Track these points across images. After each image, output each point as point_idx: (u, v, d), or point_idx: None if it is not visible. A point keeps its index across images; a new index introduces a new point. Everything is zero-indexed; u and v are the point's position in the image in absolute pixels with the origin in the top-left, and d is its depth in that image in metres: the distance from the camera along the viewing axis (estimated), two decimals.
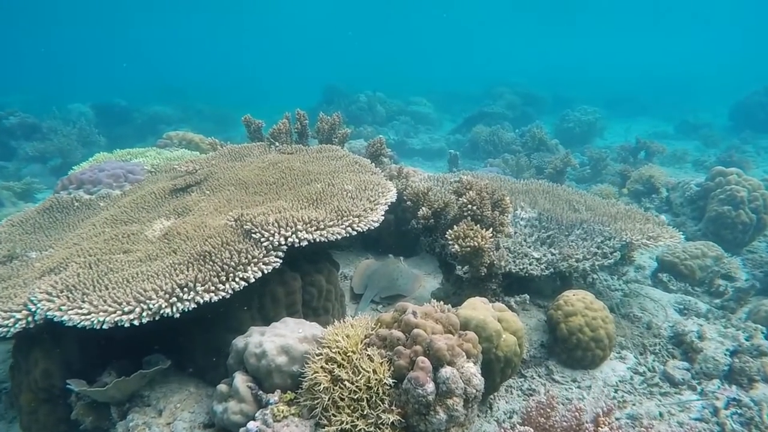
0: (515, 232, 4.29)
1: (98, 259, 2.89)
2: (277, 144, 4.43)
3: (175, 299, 2.42)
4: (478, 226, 3.26)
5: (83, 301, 2.45)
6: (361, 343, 2.41)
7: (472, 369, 2.27)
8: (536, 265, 3.85)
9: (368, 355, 2.33)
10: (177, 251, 2.88)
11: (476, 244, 3.11)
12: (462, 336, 2.42)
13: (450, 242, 3.26)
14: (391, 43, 49.55)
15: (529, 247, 4.14)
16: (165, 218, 3.49)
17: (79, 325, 2.36)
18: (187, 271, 2.59)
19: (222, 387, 2.49)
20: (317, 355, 2.40)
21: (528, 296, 3.73)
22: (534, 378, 3.38)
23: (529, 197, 4.87)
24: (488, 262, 3.30)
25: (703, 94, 23.49)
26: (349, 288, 4.33)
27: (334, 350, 2.37)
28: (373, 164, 4.15)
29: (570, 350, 3.41)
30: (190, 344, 2.89)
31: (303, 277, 3.00)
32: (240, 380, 2.45)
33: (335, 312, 3.18)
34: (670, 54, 39.74)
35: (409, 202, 3.95)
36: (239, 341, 2.58)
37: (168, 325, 2.49)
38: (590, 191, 7.68)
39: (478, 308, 2.82)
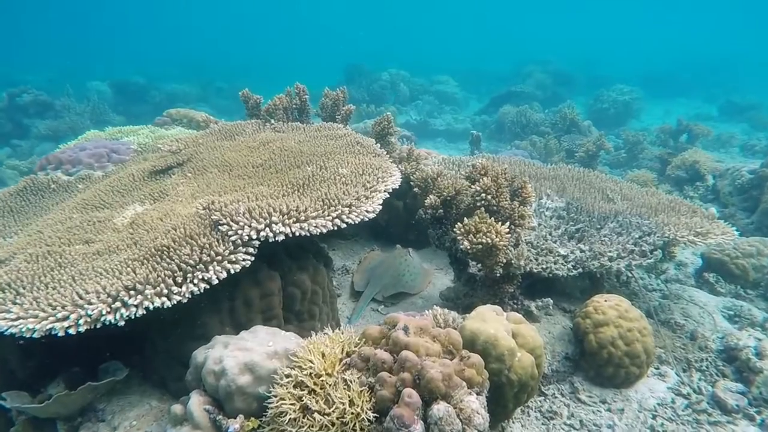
0: (539, 224, 3.76)
1: (49, 251, 2.52)
2: (272, 122, 3.98)
3: (119, 304, 2.02)
4: (493, 218, 2.76)
5: (14, 303, 2.07)
6: (340, 363, 1.98)
7: (474, 404, 1.80)
8: (562, 263, 3.33)
9: (346, 380, 1.89)
10: (138, 243, 2.48)
11: (489, 240, 2.62)
12: (464, 359, 1.95)
13: (459, 237, 2.78)
14: (416, 20, 48.24)
15: (555, 242, 3.60)
16: (139, 203, 3.11)
17: (6, 332, 1.99)
18: (140, 269, 2.19)
19: (176, 408, 2.09)
20: (286, 377, 1.97)
21: (551, 300, 3.22)
22: (556, 397, 2.90)
23: (556, 184, 4.31)
24: (504, 261, 2.80)
25: (749, 73, 21.94)
26: (351, 284, 3.90)
27: (305, 372, 1.94)
28: (379, 145, 3.67)
29: (600, 366, 2.91)
30: (152, 351, 2.51)
31: (284, 276, 2.56)
32: (196, 402, 2.04)
33: (323, 317, 2.75)
34: (711, 29, 37.32)
35: (416, 189, 3.46)
36: (199, 354, 2.17)
37: (128, 327, 2.11)
38: (626, 177, 7.03)
39: (489, 320, 2.34)
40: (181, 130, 4.87)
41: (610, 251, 3.41)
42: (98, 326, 2.01)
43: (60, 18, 45.62)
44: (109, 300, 2.02)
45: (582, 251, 3.47)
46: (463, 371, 1.91)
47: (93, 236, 2.74)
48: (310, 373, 1.93)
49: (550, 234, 3.70)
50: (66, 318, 1.96)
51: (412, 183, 3.42)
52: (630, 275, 3.98)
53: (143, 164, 3.64)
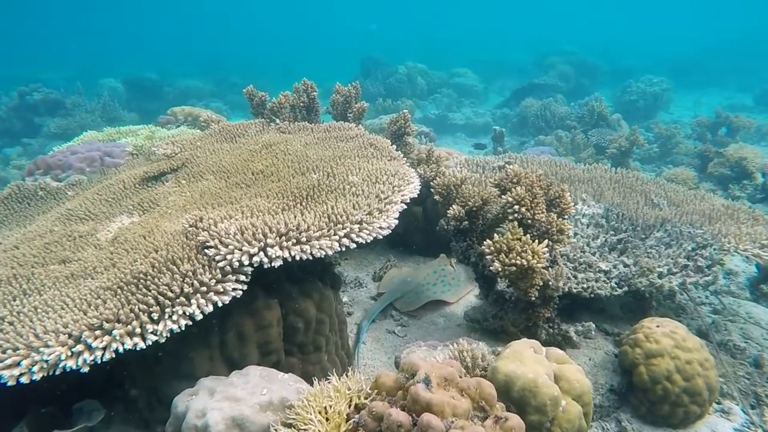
0: (575, 233, 3.35)
1: (16, 274, 2.20)
2: (277, 121, 3.62)
3: (81, 347, 1.68)
4: (528, 235, 2.36)
5: None
6: (347, 422, 1.61)
7: None
8: (604, 281, 2.91)
9: None
10: (117, 266, 2.15)
11: (525, 262, 2.22)
12: (500, 421, 1.56)
13: (489, 257, 2.38)
14: (433, 12, 47.40)
15: (594, 254, 3.19)
16: (127, 215, 2.78)
17: None
18: (111, 301, 1.85)
19: None
20: None
21: (593, 325, 2.81)
22: None
23: (592, 187, 3.88)
24: (541, 283, 2.40)
25: None
26: (369, 299, 3.54)
27: None
28: (395, 146, 3.29)
29: (653, 403, 2.50)
30: (134, 389, 2.18)
31: (284, 304, 2.21)
32: None
33: (331, 347, 2.39)
34: (741, 12, 35.57)
35: (438, 197, 3.08)
36: (180, 402, 1.82)
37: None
38: (662, 175, 6.52)
39: (526, 360, 1.95)
40: (183, 130, 4.56)
41: (659, 266, 2.98)
42: (57, 373, 1.67)
43: (76, 16, 45.96)
44: (70, 342, 1.69)
45: (626, 266, 3.05)
46: None
47: (71, 254, 2.42)
48: None
49: (588, 245, 3.28)
50: (17, 364, 1.63)
51: (432, 190, 3.03)
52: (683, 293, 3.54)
53: (136, 169, 3.32)
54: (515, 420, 1.56)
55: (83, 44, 32.83)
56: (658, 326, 2.62)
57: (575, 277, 2.88)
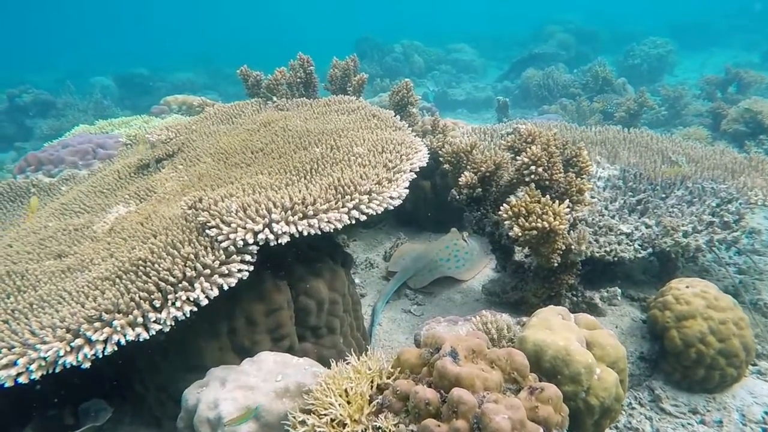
0: (592, 197, 3.20)
1: (9, 271, 2.08)
2: (274, 99, 3.47)
3: (80, 341, 1.57)
4: (547, 196, 2.21)
5: None
6: (370, 404, 1.49)
7: None
8: (627, 244, 2.77)
9: (379, 429, 1.41)
10: (114, 255, 2.03)
11: (546, 224, 2.08)
12: (535, 392, 1.44)
13: (506, 222, 2.25)
14: None
15: (613, 217, 3.05)
16: (124, 204, 2.66)
17: None
18: (110, 291, 1.73)
19: None
20: (300, 424, 1.50)
21: (619, 290, 2.68)
22: (634, 408, 2.39)
23: (606, 149, 3.72)
24: (563, 247, 2.26)
25: None
26: (381, 279, 3.42)
27: (324, 419, 1.46)
28: (398, 117, 3.13)
29: (687, 368, 2.38)
30: (142, 385, 2.07)
31: (294, 286, 2.09)
32: None
33: (345, 329, 2.27)
34: None
35: (447, 165, 2.93)
36: (190, 395, 1.71)
37: (117, 355, 1.67)
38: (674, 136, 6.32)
39: (556, 328, 1.83)
40: (177, 118, 4.41)
41: (683, 225, 2.84)
42: (56, 370, 1.56)
43: (64, 17, 45.28)
44: (68, 336, 1.57)
45: (648, 227, 2.91)
46: (536, 409, 1.40)
47: (67, 248, 2.30)
48: (332, 421, 1.46)
49: (606, 208, 3.13)
50: (13, 364, 1.52)
51: (441, 158, 2.88)
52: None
53: (131, 158, 3.19)
54: (551, 390, 1.44)
55: (70, 45, 32.37)
56: (687, 287, 2.49)
57: (596, 241, 2.75)
